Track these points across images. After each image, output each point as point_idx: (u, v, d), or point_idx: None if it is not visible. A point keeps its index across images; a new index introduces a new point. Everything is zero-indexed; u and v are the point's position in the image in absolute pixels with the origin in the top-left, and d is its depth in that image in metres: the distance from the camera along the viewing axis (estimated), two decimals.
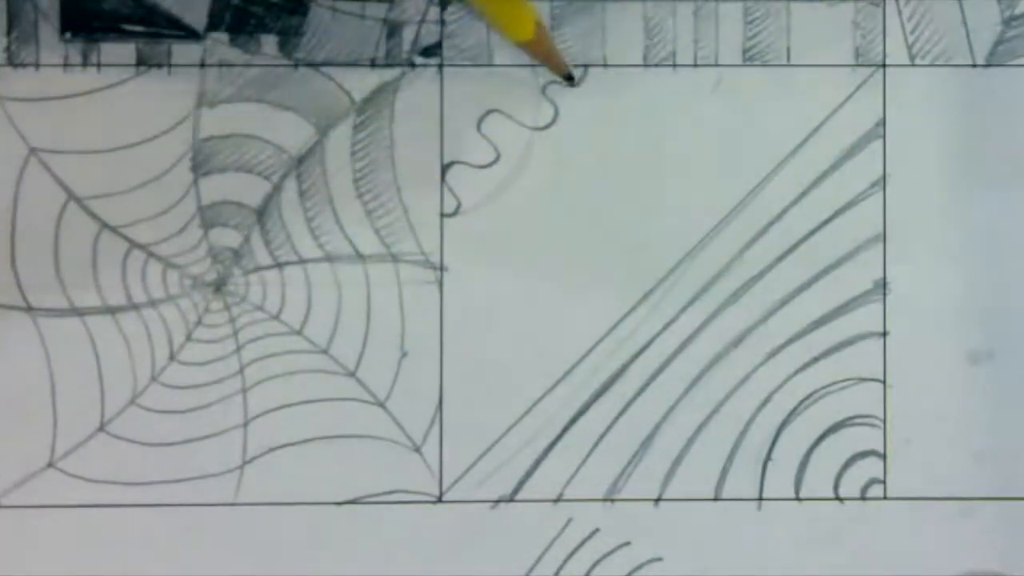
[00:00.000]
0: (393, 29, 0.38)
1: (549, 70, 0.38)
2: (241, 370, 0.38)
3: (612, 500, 0.38)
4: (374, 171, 0.38)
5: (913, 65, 0.38)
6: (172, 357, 0.38)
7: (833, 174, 0.38)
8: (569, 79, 0.38)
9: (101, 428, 0.38)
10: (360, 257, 0.38)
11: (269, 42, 0.38)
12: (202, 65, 0.38)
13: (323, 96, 0.38)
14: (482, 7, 0.35)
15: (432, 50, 0.38)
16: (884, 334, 0.38)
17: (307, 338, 0.38)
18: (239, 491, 0.38)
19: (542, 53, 0.37)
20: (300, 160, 0.38)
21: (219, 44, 0.38)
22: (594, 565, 0.38)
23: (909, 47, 0.38)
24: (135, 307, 0.38)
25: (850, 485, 0.38)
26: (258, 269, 0.38)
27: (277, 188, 0.38)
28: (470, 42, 0.38)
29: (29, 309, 0.38)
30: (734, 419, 0.38)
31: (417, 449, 0.38)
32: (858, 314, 0.38)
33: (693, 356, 0.38)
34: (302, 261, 0.38)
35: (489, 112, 0.38)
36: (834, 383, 0.38)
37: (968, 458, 0.38)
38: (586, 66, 0.38)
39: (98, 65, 0.38)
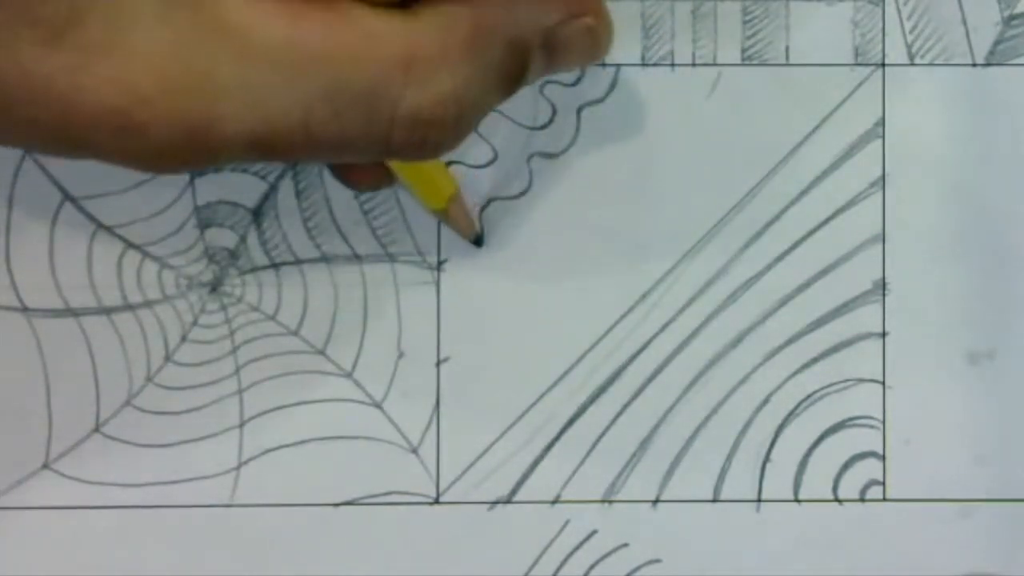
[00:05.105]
0: None
1: (459, 233, 0.37)
2: (237, 371, 0.38)
3: (610, 501, 0.38)
4: None
5: (912, 64, 0.38)
6: (168, 358, 0.38)
7: (832, 174, 0.38)
8: (477, 243, 0.37)
9: (96, 429, 0.38)
10: (357, 257, 0.38)
11: None
12: None
13: None
14: (403, 177, 0.35)
15: None
16: (883, 335, 0.38)
17: (303, 339, 0.38)
18: (235, 492, 0.38)
19: (453, 222, 0.37)
20: None
21: None
22: (592, 567, 0.38)
23: (909, 46, 0.38)
24: (130, 307, 0.38)
25: (849, 486, 0.38)
26: (254, 269, 0.38)
27: (273, 188, 0.38)
28: None
29: (24, 310, 0.38)
30: (733, 420, 0.38)
31: (414, 450, 0.38)
32: (857, 315, 0.38)
33: (692, 357, 0.38)
34: (298, 261, 0.38)
35: None
36: (833, 384, 0.38)
37: (968, 459, 0.38)
38: None
39: None
